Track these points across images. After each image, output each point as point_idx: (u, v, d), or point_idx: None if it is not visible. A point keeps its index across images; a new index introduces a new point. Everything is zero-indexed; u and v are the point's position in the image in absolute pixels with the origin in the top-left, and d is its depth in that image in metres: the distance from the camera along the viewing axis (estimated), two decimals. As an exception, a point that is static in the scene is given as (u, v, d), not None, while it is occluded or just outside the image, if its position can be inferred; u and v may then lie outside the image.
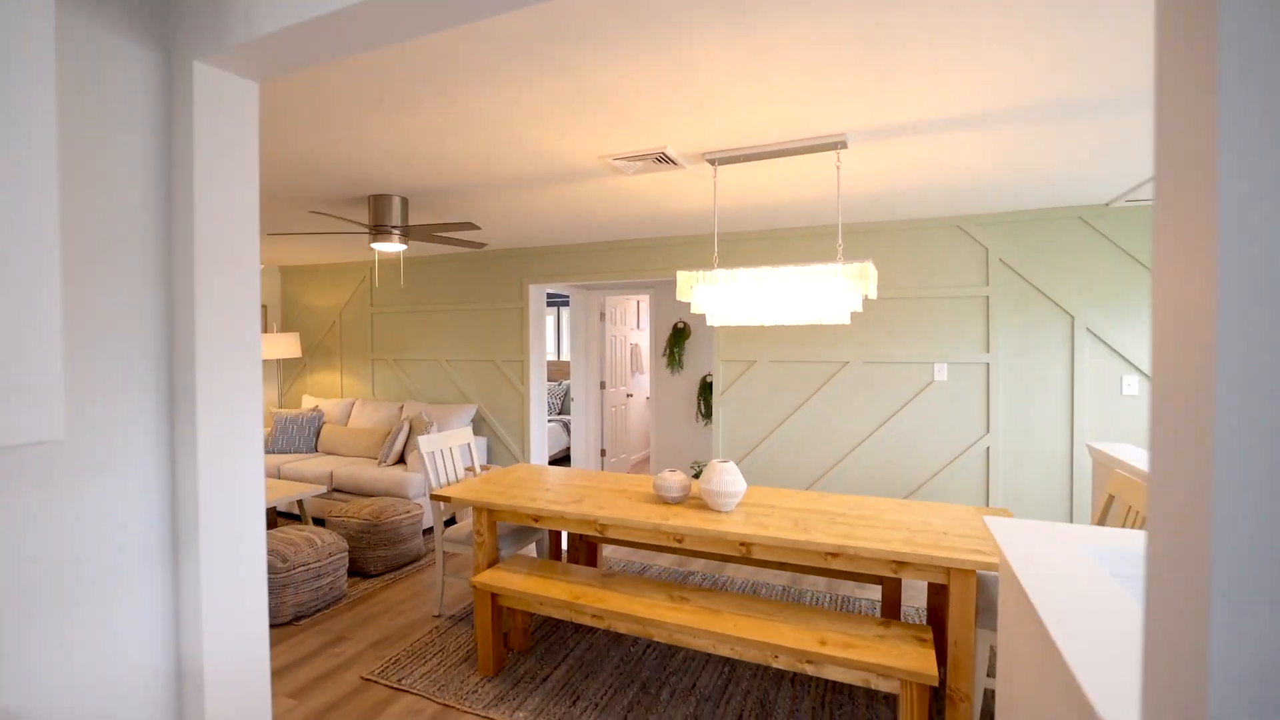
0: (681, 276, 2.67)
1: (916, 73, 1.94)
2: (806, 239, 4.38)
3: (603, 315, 6.60)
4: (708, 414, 5.86)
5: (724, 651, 2.31)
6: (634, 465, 7.54)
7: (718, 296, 2.61)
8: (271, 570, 3.30)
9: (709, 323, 2.76)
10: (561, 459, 7.62)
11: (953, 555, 2.16)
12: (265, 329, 6.72)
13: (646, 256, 4.91)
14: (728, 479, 2.72)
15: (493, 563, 3.08)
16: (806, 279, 2.42)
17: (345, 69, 1.91)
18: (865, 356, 4.25)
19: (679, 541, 2.63)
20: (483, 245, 3.92)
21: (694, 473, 2.77)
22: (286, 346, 6.23)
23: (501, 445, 5.57)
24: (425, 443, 3.46)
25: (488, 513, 3.04)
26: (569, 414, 8.06)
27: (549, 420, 7.55)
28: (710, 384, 5.86)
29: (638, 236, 4.82)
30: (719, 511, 2.76)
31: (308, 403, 6.29)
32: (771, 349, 4.51)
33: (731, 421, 4.64)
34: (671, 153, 2.67)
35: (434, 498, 3.11)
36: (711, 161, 2.73)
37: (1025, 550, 1.46)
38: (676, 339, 5.97)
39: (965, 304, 3.99)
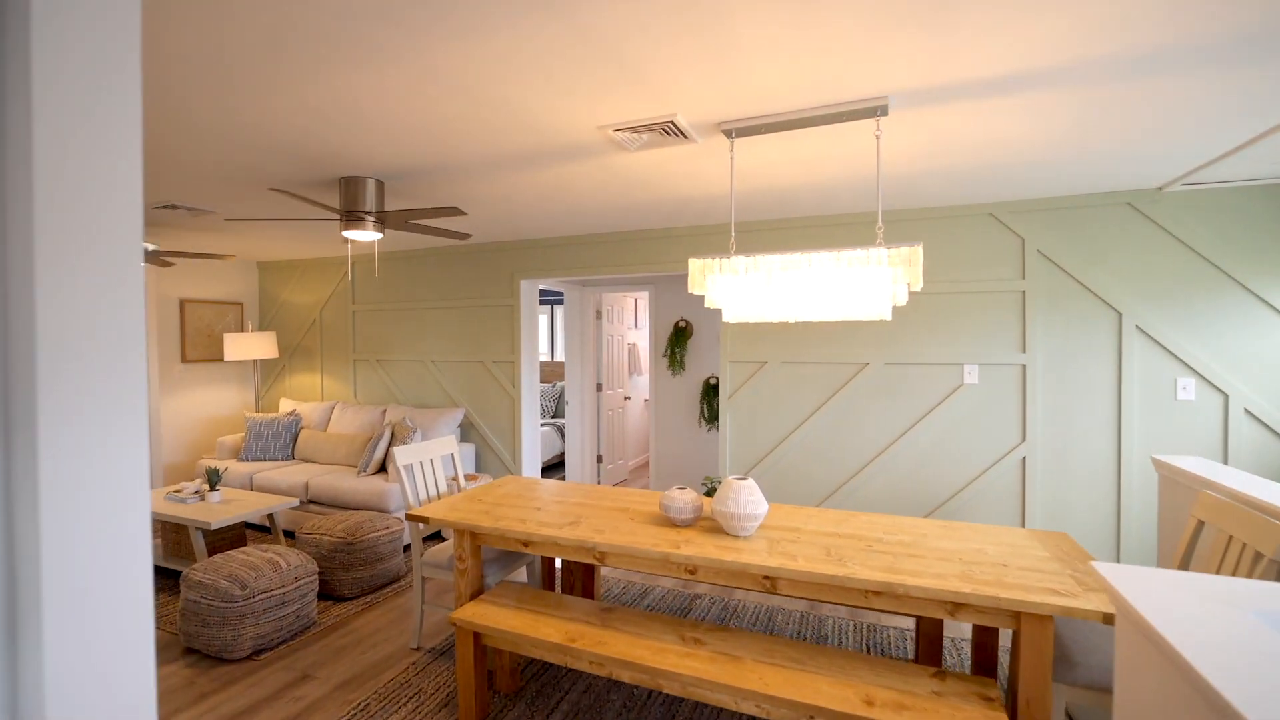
0: (694, 265, 2.30)
1: (980, 16, 1.58)
2: (826, 228, 4.02)
3: (599, 313, 6.23)
4: (711, 418, 5.50)
5: (748, 709, 1.94)
6: (632, 471, 7.18)
7: (737, 288, 2.24)
8: (229, 599, 2.92)
9: (725, 318, 2.40)
10: (555, 465, 7.24)
11: (1024, 597, 1.80)
12: (241, 328, 6.33)
13: (647, 249, 4.55)
14: (747, 500, 2.35)
15: (477, 592, 2.71)
16: (843, 267, 2.05)
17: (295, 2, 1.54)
18: (887, 357, 3.89)
19: (691, 573, 2.26)
20: (466, 236, 3.55)
21: (706, 489, 2.40)
22: (263, 346, 5.83)
23: (490, 452, 5.20)
24: (402, 454, 3.08)
25: (471, 536, 2.66)
26: (563, 417, 7.69)
27: (542, 424, 7.17)
28: (714, 386, 5.50)
29: (638, 227, 4.45)
30: (736, 537, 2.40)
31: (285, 406, 5.90)
32: (784, 349, 4.15)
33: (739, 428, 4.28)
34: (682, 122, 2.30)
35: (410, 518, 2.74)
36: (728, 133, 2.37)
37: (1169, 611, 1.10)
38: (678, 338, 5.61)
39: (998, 299, 3.64)
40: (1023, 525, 3.61)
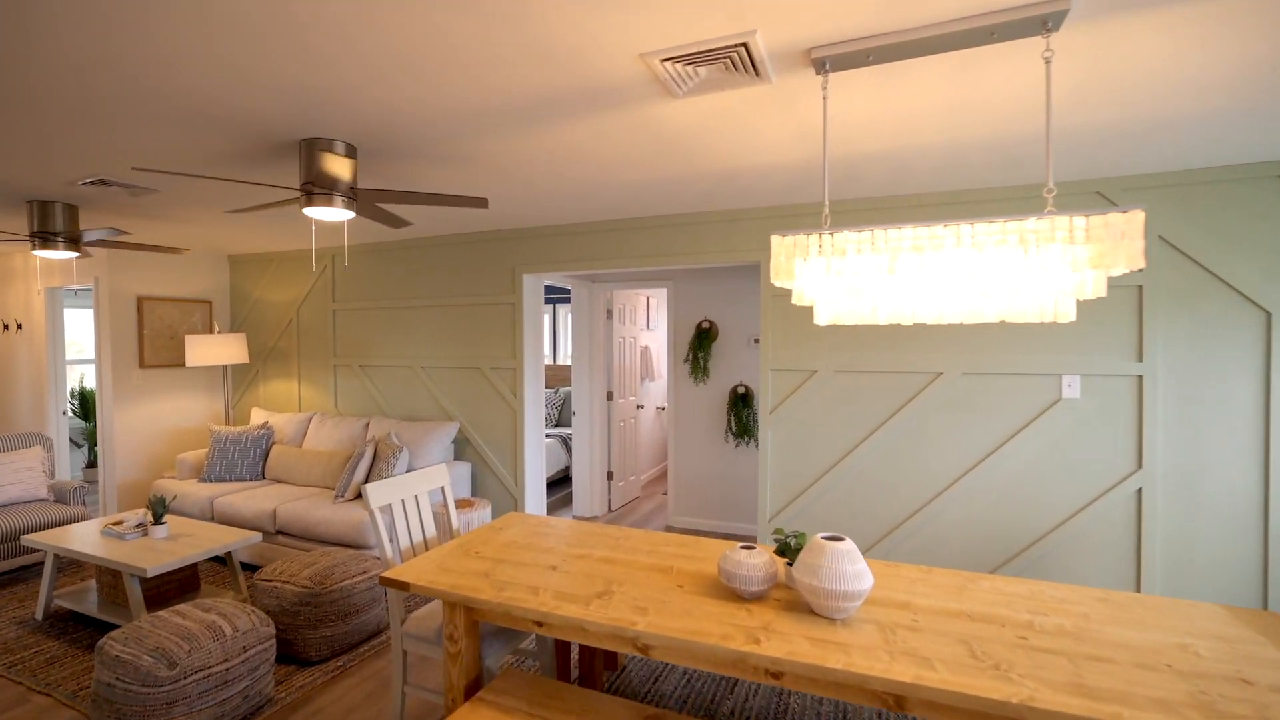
0: (779, 245, 1.64)
1: None
2: (901, 210, 3.37)
3: (610, 313, 5.57)
4: (740, 433, 4.85)
5: None
6: (645, 487, 6.52)
7: (839, 277, 1.59)
8: (152, 682, 2.25)
9: (819, 319, 1.75)
10: (559, 480, 6.58)
11: (1332, 757, 1.15)
12: (208, 329, 5.65)
13: (671, 239, 3.89)
14: (848, 571, 1.70)
15: (473, 683, 2.05)
16: (1010, 244, 1.40)
17: None
18: (966, 366, 3.24)
19: (775, 678, 1.60)
20: (480, 203, 2.89)
21: (777, 545, 1.72)
22: (230, 350, 5.15)
23: (489, 472, 4.54)
24: (375, 493, 2.41)
25: (466, 611, 2.01)
26: (566, 426, 7.03)
27: (545, 435, 6.51)
28: (743, 395, 4.85)
29: (662, 211, 3.80)
30: (830, 620, 1.75)
31: (257, 417, 5.22)
32: (838, 355, 3.50)
33: (783, 448, 3.63)
34: (759, 45, 1.65)
35: (385, 582, 2.08)
36: (820, 65, 1.71)
37: None
38: (700, 341, 4.95)
39: (1108, 296, 3.00)
40: (1138, 573, 2.97)
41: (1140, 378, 2.95)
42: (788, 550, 2.00)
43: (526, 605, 1.84)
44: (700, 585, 1.99)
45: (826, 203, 1.70)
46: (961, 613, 1.79)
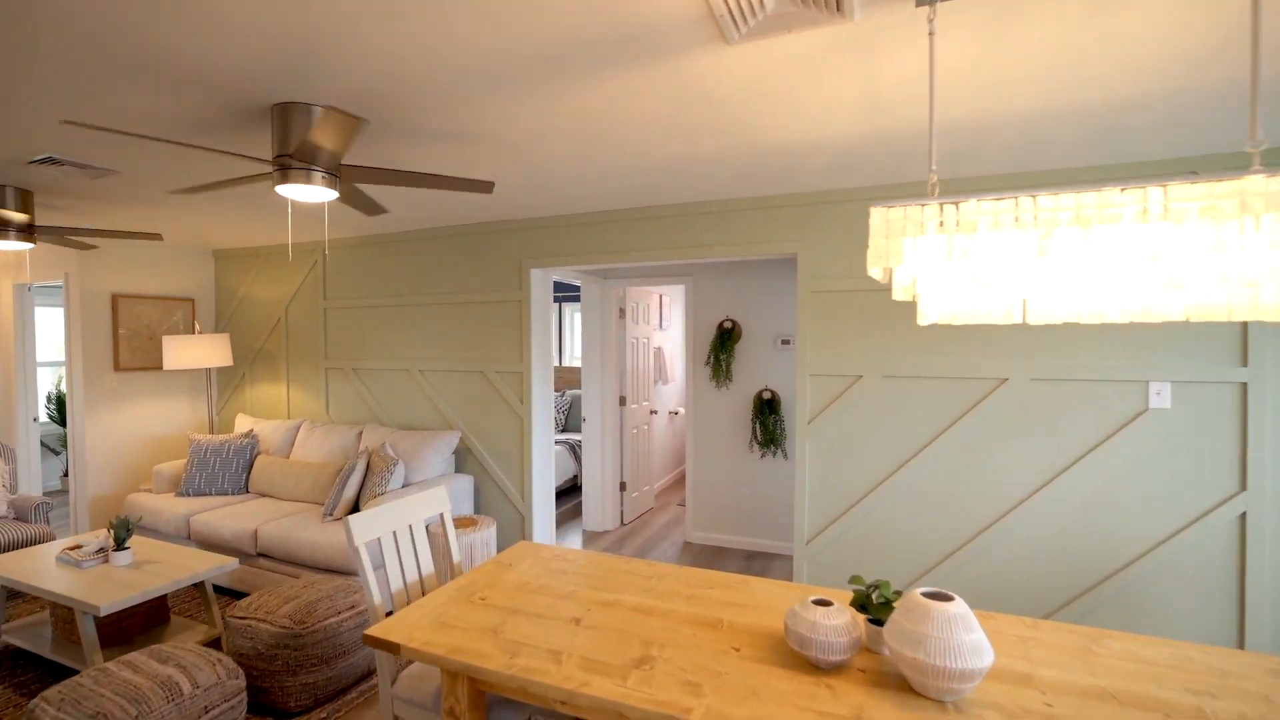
0: (880, 219, 1.25)
1: None
2: (989, 193, 2.98)
3: (622, 311, 5.18)
4: (766, 442, 4.46)
5: None
6: (659, 495, 6.13)
7: (966, 259, 1.20)
8: (91, 752, 1.87)
9: (922, 320, 1.36)
10: (567, 490, 6.19)
11: None
12: (190, 329, 5.26)
13: (693, 230, 3.51)
14: (964, 641, 1.31)
15: (478, 767, 1.66)
16: (1224, 211, 1.02)
17: None
18: (1035, 371, 2.86)
19: (879, 790, 1.21)
20: (489, 188, 2.52)
21: (856, 598, 1.30)
22: (211, 352, 4.76)
23: (492, 484, 4.15)
24: (359, 526, 2.02)
25: (469, 681, 1.62)
26: (573, 432, 6.65)
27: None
28: (768, 401, 4.47)
29: (687, 200, 3.41)
30: (939, 703, 1.36)
31: (242, 424, 4.84)
32: (885, 358, 3.11)
33: (821, 462, 3.24)
34: (855, -40, 1.26)
35: (369, 641, 1.69)
36: (926, -10, 1.32)
37: None
38: (722, 342, 4.57)
39: (1205, 292, 2.61)
40: (1241, 613, 2.58)
41: (1244, 385, 2.56)
42: (869, 605, 1.61)
43: (548, 680, 1.45)
44: (761, 646, 1.61)
45: (934, 164, 1.31)
46: (1103, 690, 1.40)
